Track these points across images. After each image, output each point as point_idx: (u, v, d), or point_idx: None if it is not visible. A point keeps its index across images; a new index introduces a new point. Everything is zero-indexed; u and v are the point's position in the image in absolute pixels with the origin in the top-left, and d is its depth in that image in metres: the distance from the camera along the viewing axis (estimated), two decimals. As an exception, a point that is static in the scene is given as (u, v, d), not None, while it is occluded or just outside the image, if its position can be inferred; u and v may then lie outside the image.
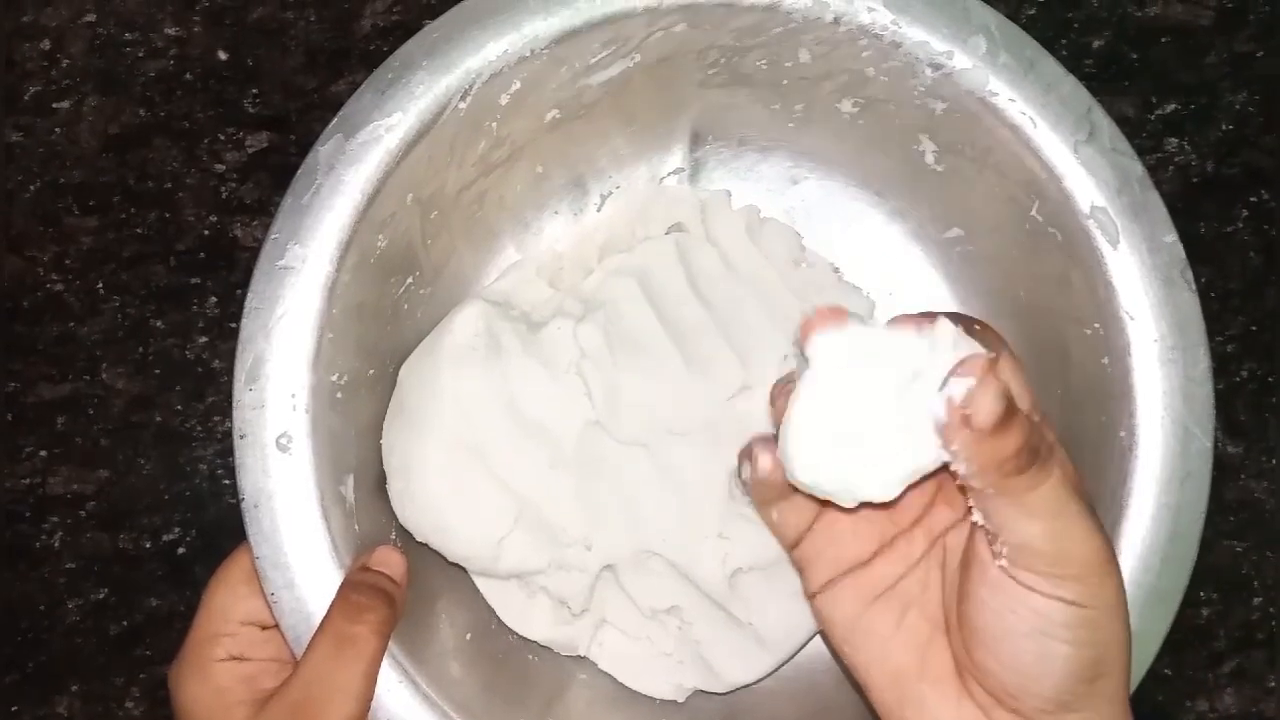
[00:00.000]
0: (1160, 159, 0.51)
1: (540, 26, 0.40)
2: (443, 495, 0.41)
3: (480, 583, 0.44)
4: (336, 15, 0.51)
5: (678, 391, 0.42)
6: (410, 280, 0.43)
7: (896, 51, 0.41)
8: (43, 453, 0.49)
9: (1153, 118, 0.51)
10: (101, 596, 0.48)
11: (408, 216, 0.41)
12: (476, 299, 0.43)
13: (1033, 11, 0.51)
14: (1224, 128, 0.51)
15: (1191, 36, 0.51)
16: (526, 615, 0.44)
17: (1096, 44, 0.51)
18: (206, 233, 0.50)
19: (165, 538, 0.48)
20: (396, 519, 0.42)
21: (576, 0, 0.40)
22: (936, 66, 0.41)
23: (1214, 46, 0.51)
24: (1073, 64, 0.50)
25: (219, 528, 0.48)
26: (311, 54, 0.51)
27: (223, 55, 0.51)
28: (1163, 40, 0.51)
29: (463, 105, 0.40)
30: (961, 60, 0.40)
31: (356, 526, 0.40)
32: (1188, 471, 0.40)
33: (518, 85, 0.41)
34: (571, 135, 0.44)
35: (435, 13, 0.46)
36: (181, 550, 0.48)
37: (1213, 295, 0.50)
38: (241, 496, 0.38)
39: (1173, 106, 0.51)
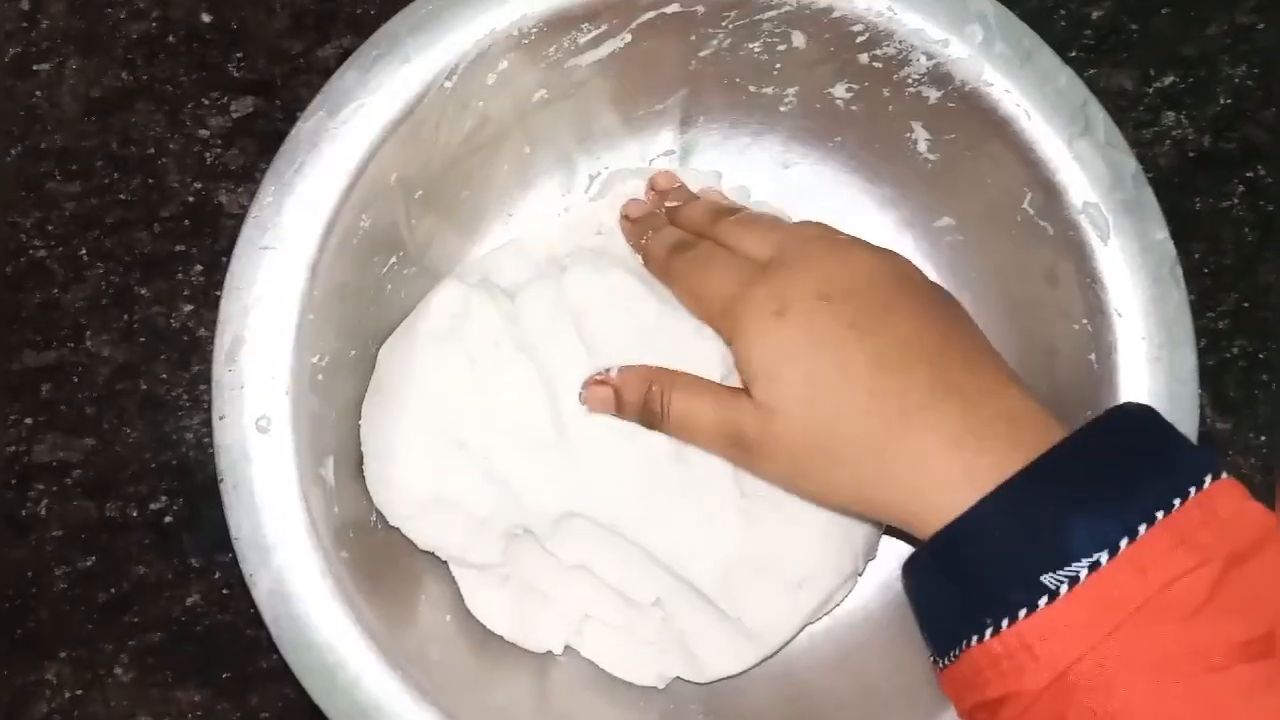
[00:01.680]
0: (1157, 133, 0.50)
1: (529, 5, 0.39)
2: (416, 482, 0.41)
3: (453, 569, 0.44)
4: (323, -25, 0.50)
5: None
6: (394, 260, 0.42)
7: (891, 39, 0.40)
8: (28, 420, 0.49)
9: (1150, 91, 0.50)
10: (89, 564, 0.48)
11: (391, 196, 0.41)
12: (455, 279, 0.43)
13: (1032, -19, 0.50)
14: (1222, 101, 0.50)
15: (1192, 8, 0.50)
16: (495, 608, 0.44)
17: (1096, 14, 0.50)
18: (191, 199, 0.49)
19: (152, 506, 0.48)
20: (375, 501, 0.42)
21: (566, -21, 0.39)
22: (931, 55, 0.40)
23: (1215, 18, 0.50)
24: (1071, 35, 0.50)
25: (205, 496, 0.48)
26: (297, 17, 0.49)
27: (206, 18, 0.50)
28: (1163, 11, 0.50)
29: (449, 84, 0.39)
30: (957, 49, 0.40)
31: (336, 508, 0.40)
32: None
33: (505, 65, 0.40)
34: (560, 115, 0.43)
35: (424, -24, 0.45)
36: (168, 519, 0.48)
37: (1206, 271, 0.50)
38: (221, 477, 0.38)
39: (1171, 79, 0.50)
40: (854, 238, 0.39)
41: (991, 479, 0.32)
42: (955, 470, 0.33)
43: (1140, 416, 0.34)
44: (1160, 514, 0.30)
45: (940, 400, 0.34)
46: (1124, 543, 0.30)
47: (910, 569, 0.35)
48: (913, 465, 0.34)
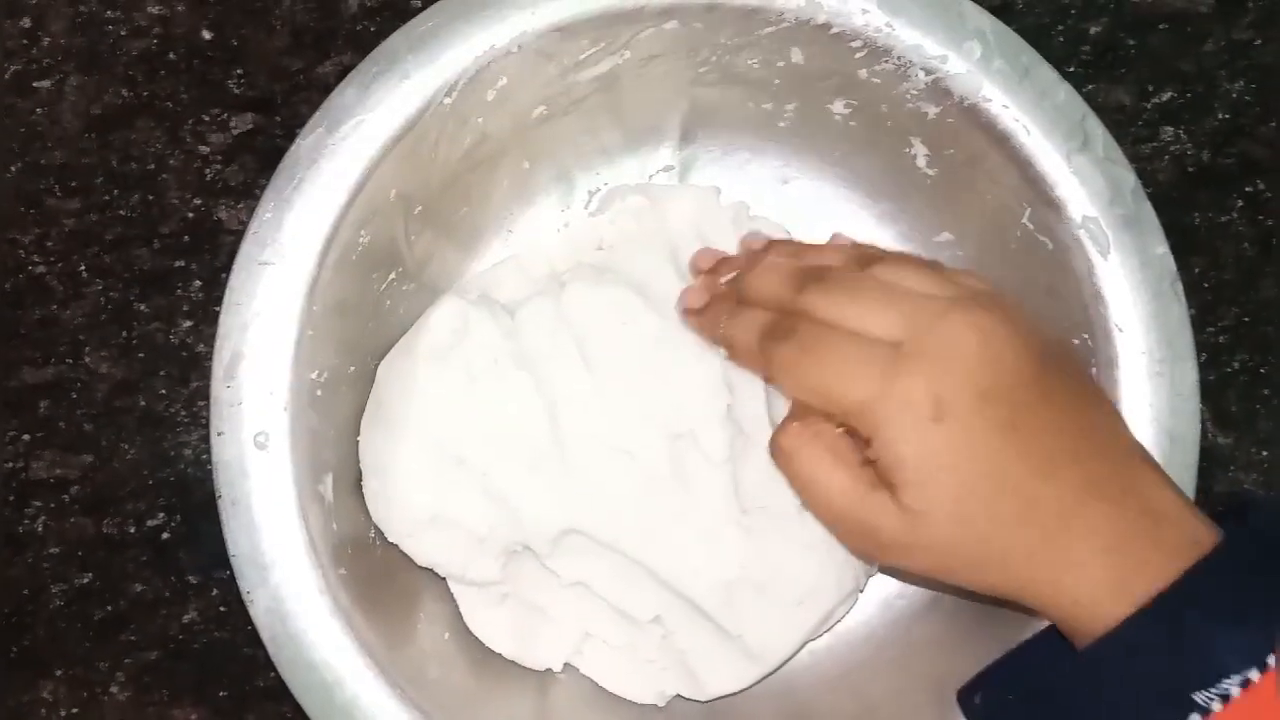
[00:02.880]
0: (1156, 148, 0.50)
1: (528, 22, 0.39)
2: (415, 499, 0.41)
3: (453, 587, 0.44)
4: (323, -7, 0.50)
5: (665, 393, 0.42)
6: (393, 276, 0.42)
7: (890, 54, 0.40)
8: (25, 437, 0.48)
9: (1149, 106, 0.50)
10: (85, 582, 0.48)
11: (391, 212, 0.41)
12: (454, 295, 0.43)
13: (1030, -3, 0.50)
14: (1220, 117, 0.50)
15: (1189, 24, 0.50)
16: (494, 626, 0.44)
17: (1094, 30, 0.50)
18: (190, 215, 0.49)
19: (149, 523, 0.48)
20: (374, 519, 0.42)
21: (566, -4, 0.39)
22: (930, 70, 0.40)
23: (1212, 34, 0.50)
24: (1069, 51, 0.50)
25: (203, 513, 0.47)
26: (297, 34, 0.50)
27: (207, 35, 0.50)
28: (1160, 27, 0.50)
29: (448, 100, 0.39)
30: (955, 65, 0.40)
31: (335, 525, 0.40)
32: (1173, 486, 0.40)
33: (504, 81, 0.40)
34: (559, 132, 0.43)
35: (424, -6, 0.45)
36: (166, 536, 0.48)
37: (1206, 286, 0.50)
38: (219, 494, 0.38)
39: (1169, 94, 0.50)
40: (975, 291, 0.36)
41: (1139, 587, 0.32)
42: (1107, 578, 0.32)
43: (1268, 525, 0.34)
44: None
45: (1090, 504, 0.33)
46: (1272, 661, 0.30)
47: (1028, 674, 0.36)
48: (1062, 570, 0.33)
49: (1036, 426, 0.34)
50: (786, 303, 0.37)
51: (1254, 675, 0.30)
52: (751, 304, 0.38)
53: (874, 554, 0.37)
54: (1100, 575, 0.32)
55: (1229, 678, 0.30)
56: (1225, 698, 0.30)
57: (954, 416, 0.33)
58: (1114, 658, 0.32)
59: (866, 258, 0.38)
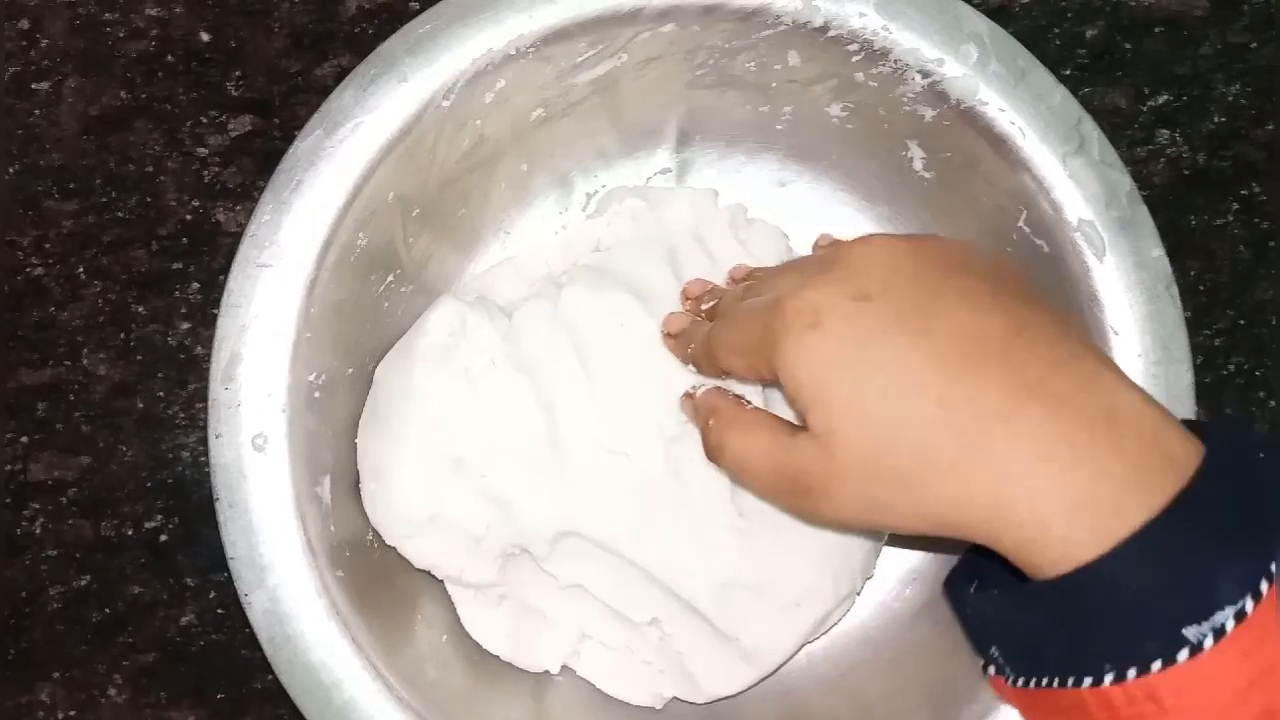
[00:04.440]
0: (1152, 151, 0.50)
1: (526, 25, 0.39)
2: (412, 501, 0.41)
3: (450, 589, 0.44)
4: (321, -5, 0.50)
5: (662, 396, 0.42)
6: (391, 278, 0.43)
7: (886, 57, 0.40)
8: (24, 439, 0.48)
9: (1145, 109, 0.50)
10: (83, 584, 0.48)
11: (389, 214, 0.41)
12: (451, 297, 0.43)
13: (1026, 0, 0.50)
14: (1216, 120, 0.50)
15: (1185, 27, 0.51)
16: (491, 628, 0.44)
17: (1090, 33, 0.50)
18: (189, 217, 0.49)
19: (147, 525, 0.48)
20: (372, 521, 0.42)
21: (563, -1, 0.39)
22: (926, 74, 0.40)
23: (1208, 37, 0.51)
24: (1066, 53, 0.50)
25: (201, 516, 0.47)
26: (296, 36, 0.50)
27: (205, 36, 0.50)
28: (1156, 30, 0.51)
29: (446, 103, 0.39)
30: (952, 68, 0.40)
31: (333, 527, 0.40)
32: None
33: (502, 83, 0.40)
34: (557, 134, 0.43)
35: (423, -4, 0.45)
36: (164, 538, 0.48)
37: (1201, 289, 0.50)
38: (216, 496, 0.38)
39: (1165, 98, 0.50)
40: (905, 235, 0.35)
41: (1103, 509, 0.28)
42: (1050, 490, 0.29)
43: (1249, 436, 0.31)
44: None
45: (1020, 405, 0.29)
46: (1265, 587, 0.27)
47: (987, 591, 0.32)
48: (998, 483, 0.29)
49: (943, 324, 0.31)
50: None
51: (1248, 605, 0.27)
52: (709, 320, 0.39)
53: (806, 506, 0.33)
54: (1047, 489, 0.29)
55: (1222, 610, 0.27)
56: (1220, 632, 0.27)
57: (832, 316, 0.31)
58: (1090, 587, 0.29)
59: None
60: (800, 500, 0.33)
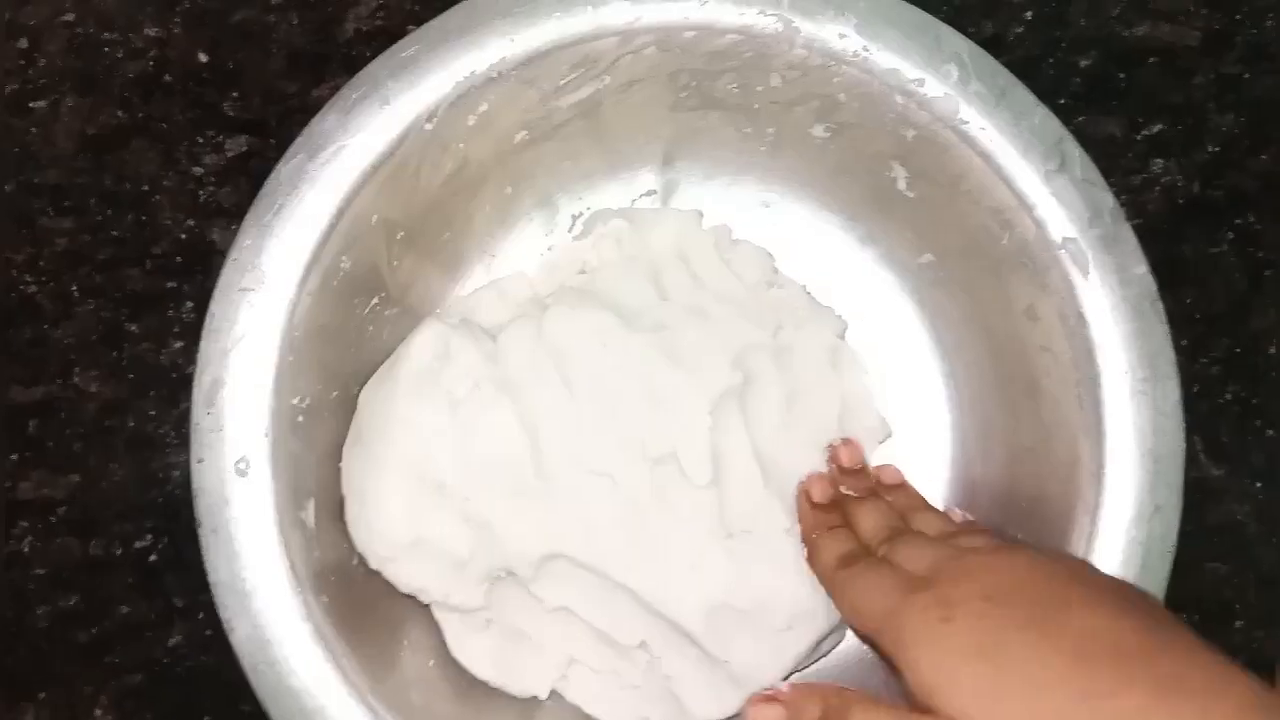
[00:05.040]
0: (1146, 179, 0.50)
1: (508, 48, 0.39)
2: (397, 524, 0.41)
3: (436, 613, 0.44)
4: (319, 19, 0.50)
5: (646, 417, 0.42)
6: (375, 301, 0.43)
7: (868, 78, 0.40)
8: (13, 456, 0.48)
9: (1139, 138, 0.50)
10: (71, 604, 0.48)
11: (373, 237, 0.41)
12: (436, 320, 0.43)
13: (1020, 30, 0.50)
14: (1210, 149, 0.50)
15: (1179, 57, 0.51)
16: (478, 653, 0.43)
17: (1084, 63, 0.50)
18: (183, 236, 0.49)
19: (137, 545, 0.48)
20: (356, 545, 0.42)
21: (545, 22, 0.39)
22: (908, 94, 0.40)
23: (1201, 68, 0.51)
24: (1059, 83, 0.50)
25: (190, 536, 0.47)
26: (293, 58, 0.50)
27: (203, 57, 0.50)
28: (1150, 61, 0.51)
29: (429, 126, 0.40)
30: (933, 88, 0.40)
31: (317, 552, 0.40)
32: (1156, 505, 0.39)
33: (485, 107, 0.40)
34: (541, 157, 0.43)
35: (419, 19, 0.45)
36: (153, 558, 0.48)
37: (1198, 317, 0.49)
38: (199, 521, 0.38)
39: (1159, 127, 0.50)
40: (1019, 542, 0.38)
41: None
42: None
43: None
44: None
45: (1166, 702, 0.30)
46: None
47: None
48: None
49: (1073, 624, 0.32)
50: (873, 543, 0.40)
51: None
52: (851, 527, 0.42)
53: None
54: None
55: None
56: None
57: (962, 615, 0.33)
58: None
59: (957, 532, 0.40)
60: None
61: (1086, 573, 0.36)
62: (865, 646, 0.45)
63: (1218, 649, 0.33)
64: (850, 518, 0.42)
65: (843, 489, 0.44)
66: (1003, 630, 0.33)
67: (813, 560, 0.42)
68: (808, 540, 0.43)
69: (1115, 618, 0.33)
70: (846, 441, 0.45)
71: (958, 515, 0.44)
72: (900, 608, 0.35)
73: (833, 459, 0.45)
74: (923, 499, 0.45)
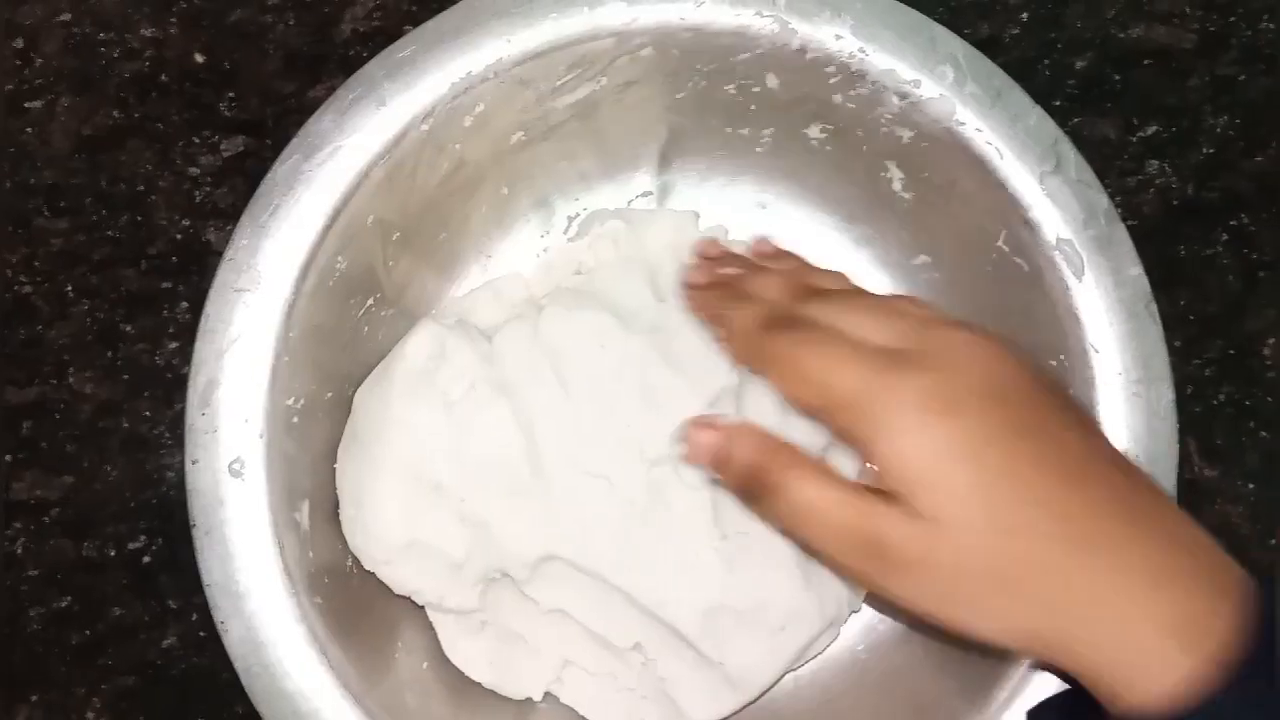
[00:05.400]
0: (1141, 181, 0.50)
1: (504, 49, 0.39)
2: (392, 526, 0.41)
3: (431, 615, 0.44)
4: (316, 20, 0.50)
5: (642, 418, 0.41)
6: (371, 302, 0.43)
7: (863, 79, 0.40)
8: (7, 457, 0.48)
9: (1134, 140, 0.50)
10: (64, 605, 0.48)
11: (368, 238, 0.41)
12: (431, 320, 0.43)
13: (1016, 31, 0.51)
14: (1205, 151, 0.50)
15: (1174, 59, 0.51)
16: (473, 655, 0.43)
17: (1079, 65, 0.51)
18: (179, 237, 0.49)
19: (130, 546, 0.48)
20: (351, 546, 0.42)
21: (541, 23, 0.39)
22: (903, 95, 0.40)
23: (1196, 70, 0.51)
24: (1055, 85, 0.50)
25: (184, 537, 0.47)
26: (290, 58, 0.50)
27: (199, 58, 0.50)
28: (1145, 62, 0.51)
29: (425, 127, 0.40)
30: (929, 89, 0.40)
31: (311, 554, 0.39)
32: (1151, 507, 0.39)
33: (482, 107, 0.40)
34: (537, 157, 0.44)
35: (416, 19, 0.45)
36: (146, 559, 0.48)
37: (1192, 319, 0.50)
38: (193, 522, 0.38)
39: (1154, 129, 0.50)
40: (989, 332, 0.35)
41: (1184, 626, 0.29)
42: (1148, 614, 0.29)
43: None
44: None
45: (1126, 524, 0.30)
46: None
47: None
48: (1097, 602, 0.29)
49: (1055, 439, 0.31)
50: (786, 307, 0.36)
51: None
52: (753, 301, 0.37)
53: (878, 575, 0.32)
54: (1144, 612, 0.29)
55: None
56: None
57: (964, 411, 0.31)
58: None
59: (862, 291, 0.38)
60: (871, 568, 0.32)
61: (1047, 375, 0.34)
62: (861, 647, 0.45)
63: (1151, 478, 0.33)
64: (752, 292, 0.38)
65: (723, 271, 0.40)
66: (1001, 433, 0.31)
67: (731, 338, 0.38)
68: (713, 319, 0.38)
69: (1082, 435, 0.32)
70: (704, 239, 0.41)
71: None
72: (878, 387, 0.32)
73: (699, 256, 0.41)
74: (809, 263, 0.41)
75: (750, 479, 0.34)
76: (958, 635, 0.32)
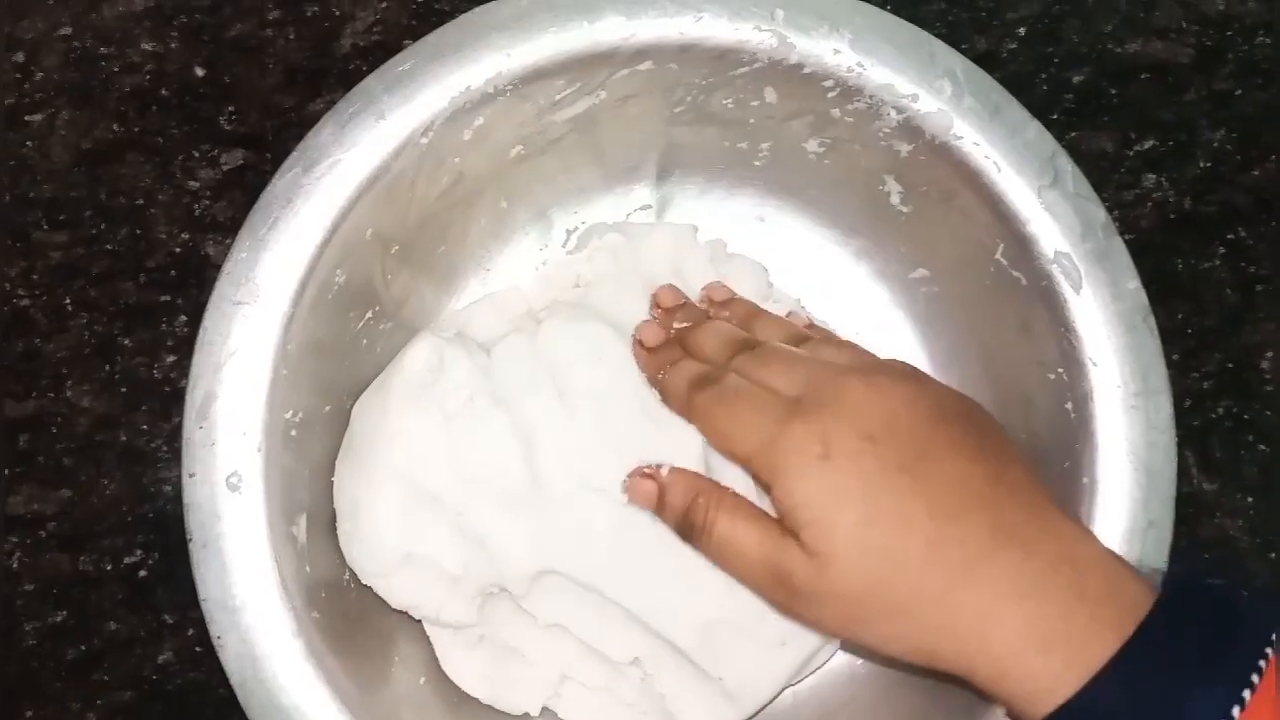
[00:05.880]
0: (1138, 195, 0.50)
1: (504, 63, 0.39)
2: (389, 539, 0.40)
3: (428, 629, 0.44)
4: (316, 34, 0.51)
5: (640, 431, 0.41)
6: (370, 315, 0.43)
7: (861, 93, 0.41)
8: (4, 471, 0.48)
9: (1131, 154, 0.50)
10: (60, 619, 0.48)
11: (367, 251, 0.41)
12: (430, 333, 0.43)
13: (1014, 45, 0.51)
14: (1202, 165, 0.51)
15: (1171, 74, 0.51)
16: (470, 670, 0.43)
17: (1076, 79, 0.51)
18: (178, 250, 0.49)
19: (126, 560, 0.48)
20: (349, 561, 0.42)
21: (540, 37, 0.39)
22: (901, 109, 0.40)
23: (1193, 84, 0.51)
24: (1052, 99, 0.50)
25: (181, 551, 0.47)
26: (290, 73, 0.50)
27: (199, 72, 0.50)
28: (1142, 77, 0.51)
29: (424, 140, 0.40)
30: (927, 103, 0.40)
31: (308, 568, 0.39)
32: (1150, 520, 0.40)
33: (481, 121, 0.40)
34: (536, 171, 0.44)
35: (416, 34, 0.46)
36: (143, 573, 0.48)
37: (1189, 332, 0.50)
38: (190, 536, 0.38)
39: (1151, 143, 0.51)
40: (885, 365, 0.39)
41: (1069, 644, 0.32)
42: (1024, 628, 0.32)
43: (1197, 579, 0.34)
44: (1256, 676, 0.30)
45: (1001, 548, 0.33)
46: (1236, 711, 0.30)
47: None
48: (978, 620, 0.33)
49: (937, 471, 0.34)
50: (720, 362, 0.40)
51: None
52: (692, 356, 0.41)
53: (790, 604, 0.36)
54: (1018, 626, 0.32)
55: None
56: None
57: (841, 454, 0.34)
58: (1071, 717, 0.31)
59: (802, 337, 0.41)
60: (781, 597, 0.36)
61: (948, 403, 0.37)
62: (859, 661, 0.45)
63: (1052, 500, 0.36)
64: (690, 347, 0.41)
65: (675, 325, 0.43)
66: (879, 473, 0.34)
67: (666, 398, 0.41)
68: (654, 383, 0.42)
69: (971, 463, 0.35)
70: (663, 287, 0.44)
71: (801, 319, 0.45)
72: (775, 437, 0.35)
73: (654, 305, 0.44)
74: (757, 306, 0.44)
75: (682, 520, 0.39)
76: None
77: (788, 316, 0.45)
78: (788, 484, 0.35)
